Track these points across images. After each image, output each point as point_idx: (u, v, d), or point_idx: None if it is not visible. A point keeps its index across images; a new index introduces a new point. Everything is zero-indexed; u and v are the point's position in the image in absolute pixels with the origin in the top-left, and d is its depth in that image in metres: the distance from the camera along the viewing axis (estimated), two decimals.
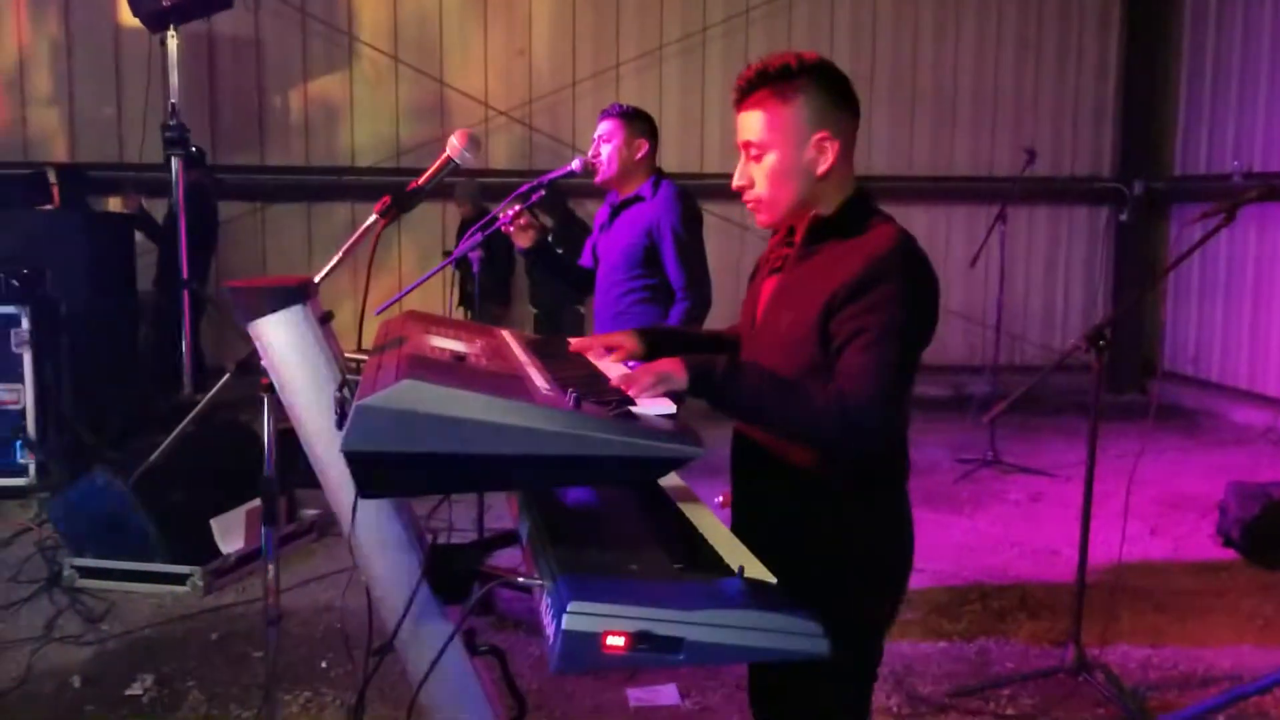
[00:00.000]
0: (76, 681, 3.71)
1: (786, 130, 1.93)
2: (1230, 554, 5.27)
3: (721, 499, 6.06)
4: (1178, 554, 5.31)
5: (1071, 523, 5.54)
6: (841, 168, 1.97)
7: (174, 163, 6.47)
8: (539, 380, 1.78)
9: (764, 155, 1.96)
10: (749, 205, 2.03)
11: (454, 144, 2.07)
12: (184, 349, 6.60)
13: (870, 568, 1.99)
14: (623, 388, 1.77)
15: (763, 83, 1.94)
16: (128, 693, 3.64)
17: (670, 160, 8.54)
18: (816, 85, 1.94)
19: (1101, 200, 10.04)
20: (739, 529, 2.10)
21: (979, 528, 5.72)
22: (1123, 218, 9.84)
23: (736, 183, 2.01)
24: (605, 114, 3.89)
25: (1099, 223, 10.10)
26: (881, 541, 2.01)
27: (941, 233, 9.66)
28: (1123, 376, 9.67)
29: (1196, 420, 8.64)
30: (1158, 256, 9.69)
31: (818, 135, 1.93)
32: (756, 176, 1.98)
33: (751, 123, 1.96)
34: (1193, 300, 9.45)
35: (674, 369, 1.79)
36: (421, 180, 2.04)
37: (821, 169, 1.94)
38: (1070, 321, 10.04)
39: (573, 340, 2.24)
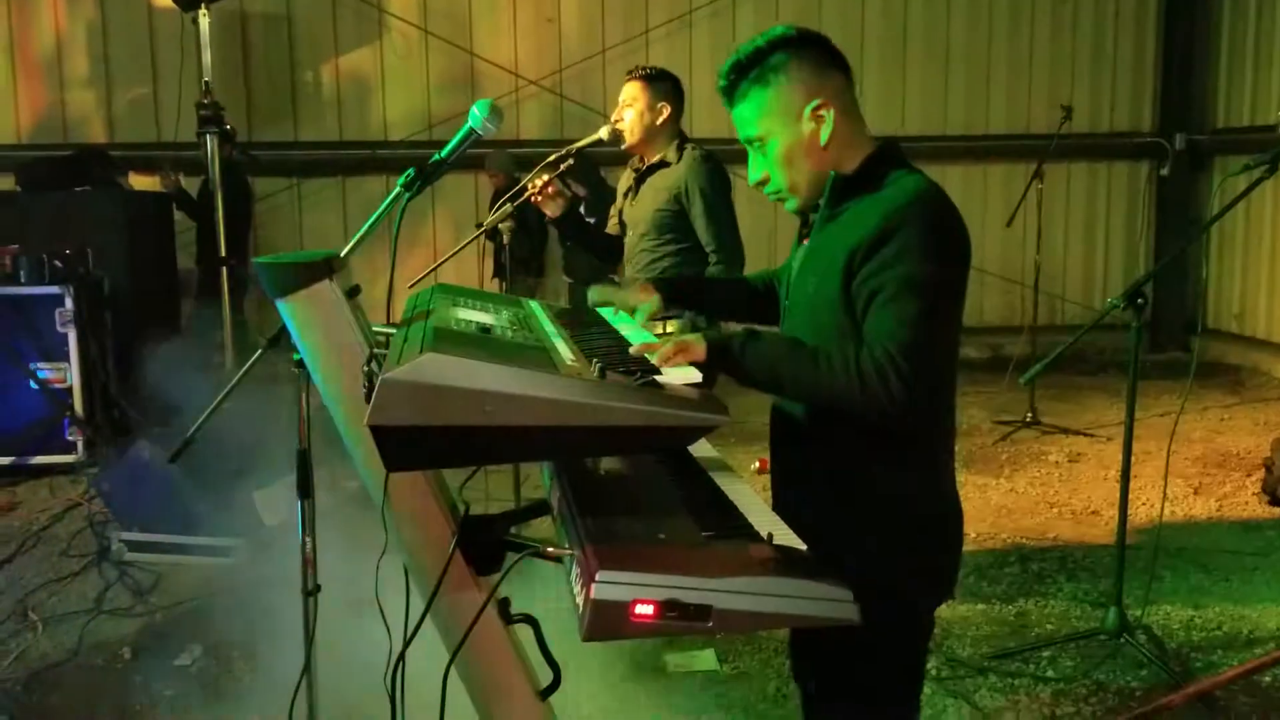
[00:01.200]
0: (127, 653, 3.80)
1: (777, 113, 1.89)
2: (1275, 512, 5.20)
3: (758, 465, 6.10)
4: (1221, 513, 5.25)
5: (1112, 483, 5.51)
6: (847, 128, 1.91)
7: (209, 141, 6.52)
8: (565, 351, 1.78)
9: (766, 144, 1.92)
10: (774, 198, 1.99)
11: (475, 114, 2.07)
12: (225, 323, 6.68)
13: (910, 540, 1.92)
14: (640, 357, 1.77)
15: (740, 74, 1.90)
16: (176, 663, 3.72)
17: (702, 126, 8.47)
18: (794, 58, 1.88)
19: (1141, 155, 9.85)
20: (778, 500, 2.09)
21: (1018, 489, 5.68)
22: (1163, 172, 9.66)
23: (753, 180, 1.98)
24: (628, 77, 3.86)
25: (1139, 178, 9.92)
26: (921, 514, 1.94)
27: (978, 192, 9.53)
28: (1165, 334, 9.54)
29: (1240, 377, 8.51)
30: (1200, 211, 9.51)
31: (810, 107, 1.88)
32: (769, 168, 1.94)
33: (744, 116, 1.93)
34: (1237, 255, 9.26)
35: (694, 340, 1.77)
36: (445, 152, 2.04)
37: (826, 136, 1.89)
38: (1110, 280, 9.89)
39: (593, 292, 2.22)
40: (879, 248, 1.77)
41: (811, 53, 1.90)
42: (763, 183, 1.97)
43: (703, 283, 2.36)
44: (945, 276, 1.81)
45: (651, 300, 2.16)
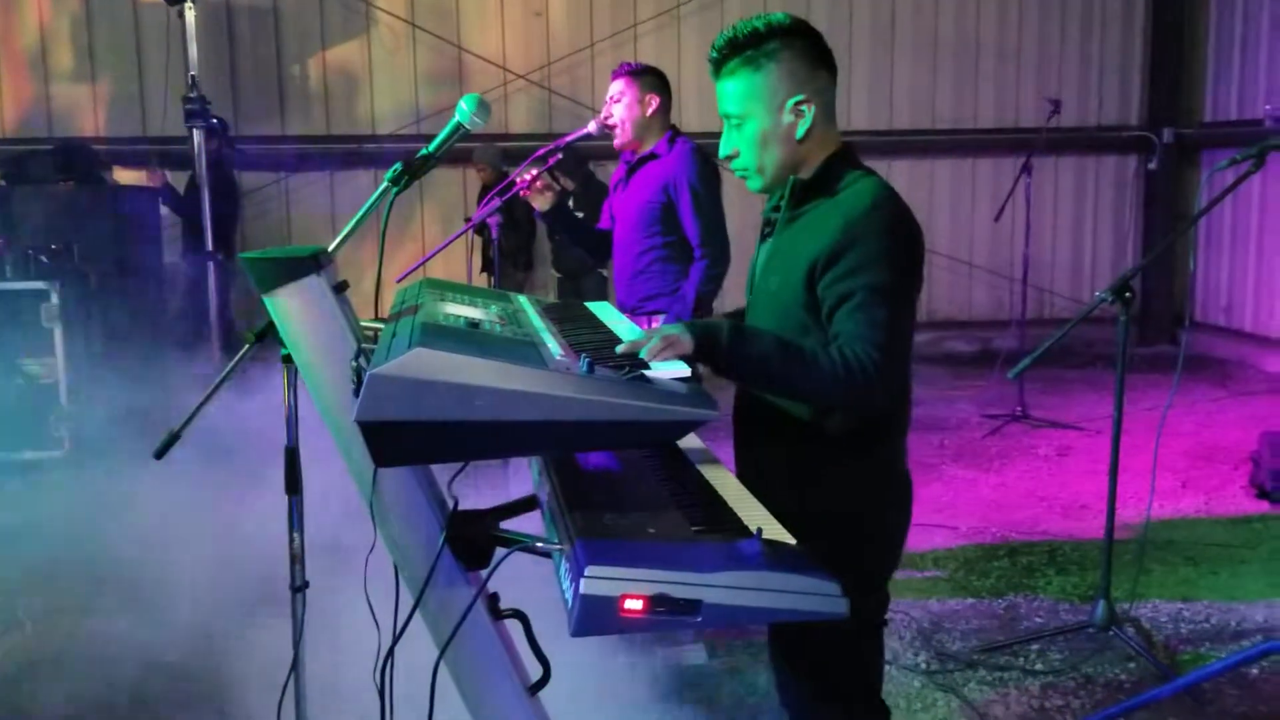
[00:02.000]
0: (115, 649, 3.77)
1: (761, 98, 1.94)
2: (1263, 505, 5.23)
3: None
4: (1209, 506, 5.27)
5: (1100, 477, 5.51)
6: (822, 128, 1.98)
7: (195, 135, 6.50)
8: (553, 346, 1.77)
9: (744, 124, 1.97)
10: (738, 174, 2.05)
11: (462, 109, 2.06)
12: (211, 318, 6.66)
13: (866, 520, 2.02)
14: (632, 352, 1.77)
15: (733, 52, 1.95)
16: (167, 659, 3.70)
17: (691, 120, 8.46)
18: (788, 49, 1.93)
19: (1129, 149, 9.88)
20: (741, 474, 2.15)
21: (1007, 483, 5.70)
22: (1151, 166, 9.70)
23: (723, 152, 2.03)
24: (615, 74, 3.86)
25: (1127, 172, 9.95)
26: (878, 493, 2.05)
27: (966, 186, 9.55)
28: (1153, 328, 9.57)
29: (1228, 370, 8.55)
30: (1188, 205, 9.54)
31: (794, 99, 1.94)
32: (740, 145, 1.99)
33: (727, 92, 1.97)
34: (1224, 249, 9.30)
35: (679, 332, 1.79)
36: (432, 146, 2.03)
37: (802, 131, 1.95)
38: (1099, 273, 9.92)
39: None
40: (841, 255, 1.87)
41: (805, 47, 1.95)
42: (731, 157, 2.02)
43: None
44: (905, 279, 1.92)
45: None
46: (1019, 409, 6.89)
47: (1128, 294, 3.49)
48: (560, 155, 3.80)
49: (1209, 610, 4.03)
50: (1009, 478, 5.79)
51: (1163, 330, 9.63)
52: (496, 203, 3.78)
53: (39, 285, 6.10)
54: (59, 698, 3.43)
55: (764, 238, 2.14)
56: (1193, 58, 9.62)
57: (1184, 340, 8.49)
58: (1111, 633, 3.68)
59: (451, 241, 4.01)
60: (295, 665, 2.21)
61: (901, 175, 9.28)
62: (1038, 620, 3.98)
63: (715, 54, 1.97)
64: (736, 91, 1.95)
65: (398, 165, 2.03)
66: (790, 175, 2.02)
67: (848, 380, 1.81)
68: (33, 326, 6.08)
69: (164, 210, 7.75)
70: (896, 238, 1.90)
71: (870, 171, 2.00)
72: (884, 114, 9.44)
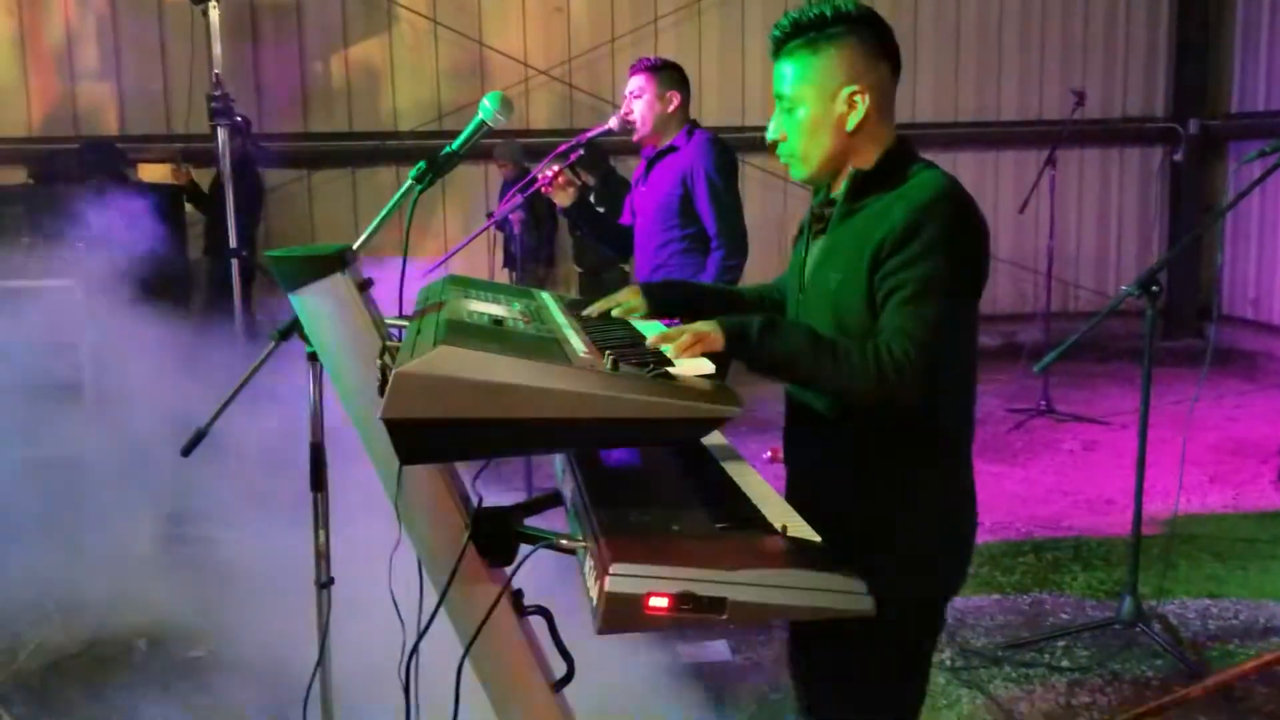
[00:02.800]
0: (143, 644, 3.81)
1: (816, 83, 1.88)
2: None
3: (770, 454, 6.06)
4: (1237, 501, 5.22)
5: (1127, 471, 5.48)
6: (876, 122, 1.91)
7: (220, 132, 6.52)
8: (577, 343, 1.77)
9: (795, 108, 1.91)
10: (783, 159, 1.99)
11: (486, 106, 2.06)
12: (236, 316, 6.68)
13: (929, 531, 1.93)
14: (659, 348, 1.76)
15: (795, 32, 1.89)
16: (190, 654, 3.73)
17: (710, 114, 8.45)
18: (849, 37, 1.87)
19: (1155, 141, 9.79)
20: (793, 488, 2.09)
21: (1032, 478, 5.66)
22: (1177, 158, 9.60)
23: (770, 135, 1.97)
24: (634, 69, 3.86)
25: (1152, 164, 9.87)
26: (941, 505, 1.95)
27: (990, 179, 9.49)
28: (1180, 321, 9.49)
29: (1256, 363, 8.46)
30: (1214, 197, 9.45)
31: (849, 89, 1.88)
32: (789, 130, 1.94)
33: (784, 74, 1.91)
34: (1252, 241, 9.21)
35: (710, 329, 1.76)
36: (456, 144, 2.03)
37: (853, 124, 1.89)
38: (1124, 266, 9.84)
39: (590, 310, 2.19)
40: (905, 243, 1.78)
41: (871, 39, 1.89)
42: (779, 141, 1.97)
43: (693, 289, 2.32)
44: (965, 275, 1.83)
45: (637, 303, 2.14)
46: (1044, 403, 6.84)
47: (1154, 288, 3.46)
48: (581, 151, 3.80)
49: (1237, 607, 3.99)
50: (1034, 473, 5.76)
51: (1189, 323, 9.54)
52: (518, 199, 3.78)
53: (65, 283, 6.15)
54: (85, 691, 3.46)
55: (815, 234, 2.04)
56: (1219, 47, 9.52)
57: (1211, 333, 8.40)
58: (1138, 629, 3.65)
59: (475, 237, 4.01)
60: (321, 660, 2.22)
61: None
62: (1063, 616, 3.95)
63: (778, 32, 1.91)
64: (793, 74, 1.90)
65: (421, 163, 2.03)
66: (834, 170, 1.95)
67: (879, 378, 1.73)
68: (59, 324, 6.13)
69: (188, 208, 7.80)
70: (961, 230, 1.82)
71: (933, 164, 1.94)
72: (906, 106, 9.38)
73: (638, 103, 3.79)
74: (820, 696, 2.08)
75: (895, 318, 1.77)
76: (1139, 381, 3.65)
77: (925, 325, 1.74)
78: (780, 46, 1.92)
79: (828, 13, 1.87)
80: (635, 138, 3.84)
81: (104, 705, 3.42)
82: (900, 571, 1.81)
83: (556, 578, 2.14)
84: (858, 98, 1.88)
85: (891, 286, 1.79)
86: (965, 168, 9.54)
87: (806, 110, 1.90)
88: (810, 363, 1.78)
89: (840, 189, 1.96)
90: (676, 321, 2.05)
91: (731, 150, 3.88)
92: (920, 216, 1.79)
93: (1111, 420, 6.66)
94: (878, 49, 1.90)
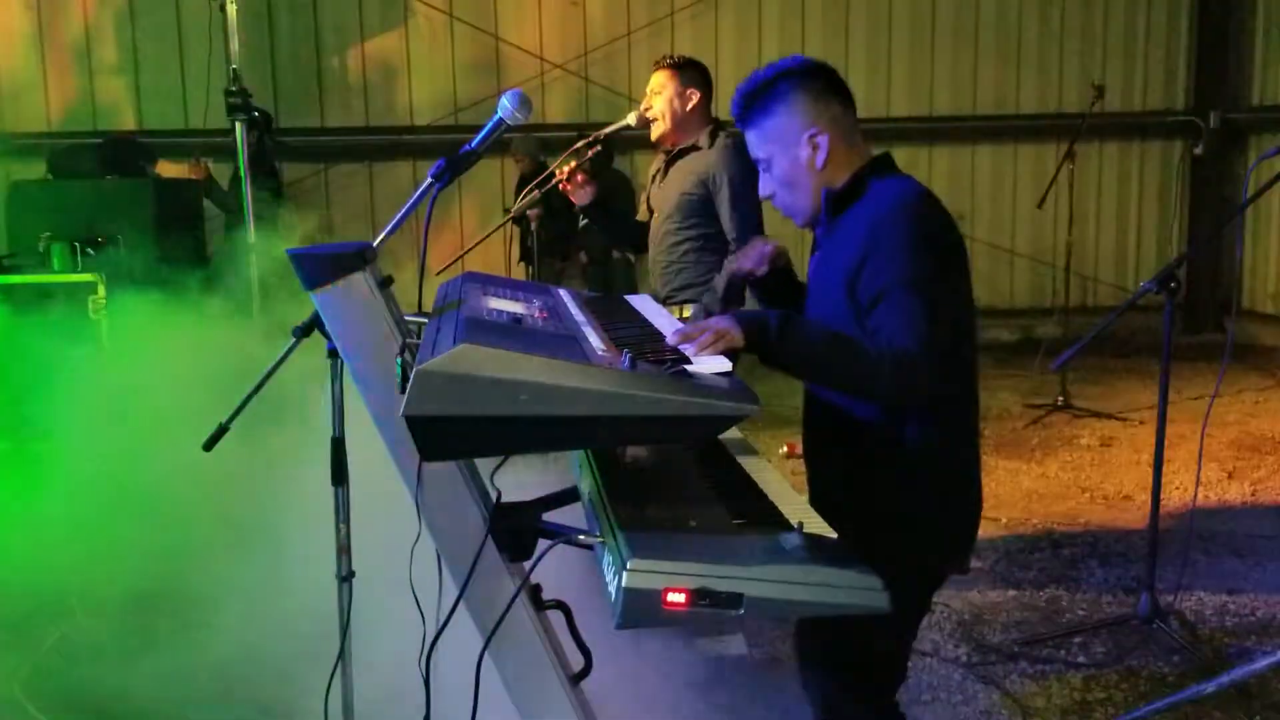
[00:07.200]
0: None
1: (778, 138, 2.06)
2: None
3: (786, 449, 6.09)
4: (1256, 497, 5.19)
5: (1144, 467, 5.47)
6: (843, 151, 2.05)
7: (238, 127, 6.55)
8: (595, 340, 1.78)
9: (771, 166, 2.08)
10: (783, 214, 2.16)
11: (505, 104, 2.07)
12: (254, 313, 6.72)
13: (926, 524, 2.02)
14: (678, 345, 1.77)
15: (747, 103, 2.07)
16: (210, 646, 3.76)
17: (727, 108, 8.42)
18: (793, 89, 2.04)
19: (1175, 134, 9.73)
20: (812, 476, 2.19)
21: (1049, 474, 5.65)
22: (1198, 151, 9.53)
23: (762, 195, 2.15)
24: (655, 66, 3.86)
25: (1172, 158, 9.80)
26: (943, 474, 2.04)
27: (1008, 173, 9.46)
28: (1199, 315, 9.43)
29: (1276, 359, 8.40)
30: (1235, 191, 9.38)
31: (807, 134, 2.03)
32: (774, 186, 2.10)
33: (751, 141, 2.10)
34: (1273, 235, 9.14)
35: (729, 325, 1.80)
36: (474, 143, 2.04)
37: (820, 161, 2.04)
38: (1143, 260, 9.79)
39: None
40: (869, 257, 1.92)
41: (812, 84, 2.06)
42: (770, 197, 2.14)
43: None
44: (938, 269, 1.93)
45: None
46: (1061, 398, 6.82)
47: (1173, 284, 3.45)
48: (599, 147, 3.81)
49: (1255, 603, 3.98)
50: (1051, 468, 5.74)
51: (1209, 318, 9.48)
52: (536, 195, 3.79)
53: (86, 278, 6.20)
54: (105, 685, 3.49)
55: (812, 252, 2.20)
56: (1240, 39, 9.44)
57: (1231, 328, 8.35)
58: (1155, 625, 3.64)
59: (492, 234, 4.03)
60: (341, 654, 2.24)
61: (942, 162, 9.20)
62: (1080, 612, 3.95)
63: (736, 109, 2.10)
64: (758, 137, 2.08)
65: (440, 161, 2.04)
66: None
67: (893, 371, 1.82)
68: (79, 319, 6.17)
69: (206, 203, 7.85)
70: (921, 229, 1.93)
71: (900, 175, 2.07)
72: (924, 100, 9.35)
73: (657, 99, 3.79)
74: (806, 652, 2.21)
75: (888, 319, 1.87)
76: (1157, 376, 3.63)
77: (917, 318, 1.85)
78: (741, 117, 2.10)
79: (769, 75, 2.06)
80: (654, 135, 3.84)
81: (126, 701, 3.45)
82: (891, 537, 1.91)
83: (576, 573, 2.15)
84: (817, 139, 2.04)
85: (874, 295, 1.90)
86: (983, 161, 9.52)
87: (780, 164, 2.07)
88: (826, 359, 1.87)
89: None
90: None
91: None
92: (880, 229, 1.93)
93: (1130, 416, 6.63)
94: (823, 90, 2.06)
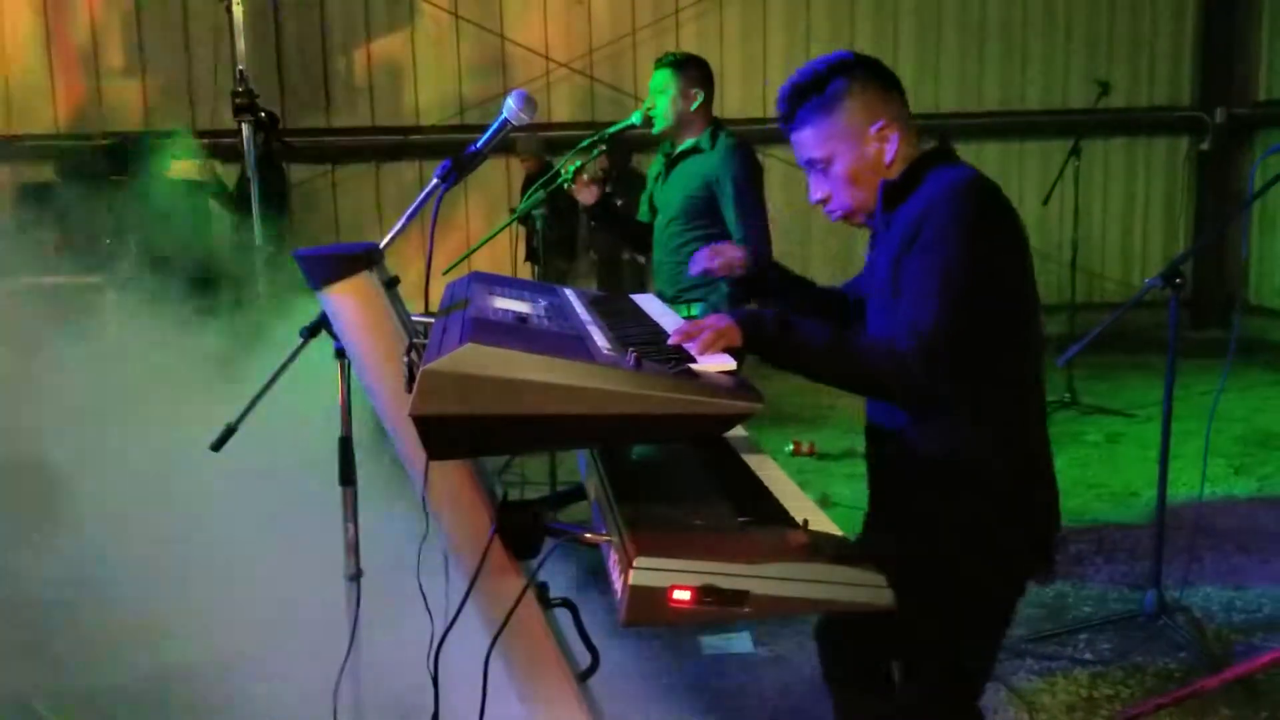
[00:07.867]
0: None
1: (843, 135, 1.95)
2: None
3: (792, 447, 6.10)
4: (1262, 493, 5.19)
5: (1151, 463, 5.43)
6: (906, 144, 1.97)
7: (244, 128, 6.56)
8: (600, 340, 1.79)
9: (830, 165, 1.97)
10: (836, 217, 2.04)
11: (509, 105, 2.08)
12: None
13: (988, 530, 1.97)
14: (681, 344, 1.78)
15: (801, 99, 1.95)
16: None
17: (731, 106, 8.45)
18: (853, 82, 1.94)
19: (1181, 130, 9.71)
20: (874, 496, 2.13)
21: (1056, 470, 5.63)
22: (1204, 147, 9.51)
23: (815, 198, 2.02)
24: (657, 64, 3.87)
25: (1178, 153, 9.78)
26: (1007, 500, 1.99)
27: (1014, 169, 9.44)
28: (1205, 311, 9.41)
29: None
30: (1241, 186, 9.36)
31: (875, 127, 1.94)
32: (832, 186, 1.99)
33: (806, 140, 1.98)
34: (1279, 230, 9.11)
35: (729, 325, 1.80)
36: (480, 143, 2.05)
37: (889, 156, 1.95)
38: (1150, 256, 9.77)
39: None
40: (912, 243, 1.85)
41: (872, 76, 1.96)
42: (824, 201, 2.01)
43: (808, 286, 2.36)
44: (981, 257, 1.84)
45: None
46: (1068, 395, 6.81)
47: (1178, 280, 3.45)
48: (604, 146, 3.82)
49: (1262, 599, 3.98)
50: (1058, 465, 5.69)
51: (1215, 314, 9.46)
52: (541, 195, 3.80)
53: (93, 279, 6.21)
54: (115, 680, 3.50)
55: (870, 249, 2.12)
56: (1247, 34, 9.42)
57: (1237, 324, 8.33)
58: (1162, 622, 3.65)
59: (498, 233, 4.04)
60: (350, 651, 2.25)
61: None
62: (1086, 609, 3.95)
63: (784, 107, 1.97)
64: (814, 137, 1.96)
65: (446, 162, 2.05)
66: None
67: (893, 368, 1.79)
68: (87, 321, 6.19)
69: (213, 204, 7.87)
70: (970, 215, 1.85)
71: (958, 163, 1.98)
72: (930, 96, 9.34)
73: (660, 97, 3.81)
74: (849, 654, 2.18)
75: (907, 311, 1.84)
76: (1163, 372, 3.63)
77: (931, 310, 1.79)
78: (791, 119, 1.97)
79: (822, 69, 1.94)
80: (656, 132, 3.85)
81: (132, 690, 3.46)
82: (961, 545, 1.89)
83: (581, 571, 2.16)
84: (887, 130, 1.94)
85: (905, 281, 1.86)
86: (990, 158, 9.49)
87: (844, 162, 1.96)
88: (826, 358, 1.84)
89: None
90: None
91: (756, 154, 3.90)
92: (926, 213, 1.85)
93: (1136, 412, 6.63)
94: (881, 82, 1.96)
